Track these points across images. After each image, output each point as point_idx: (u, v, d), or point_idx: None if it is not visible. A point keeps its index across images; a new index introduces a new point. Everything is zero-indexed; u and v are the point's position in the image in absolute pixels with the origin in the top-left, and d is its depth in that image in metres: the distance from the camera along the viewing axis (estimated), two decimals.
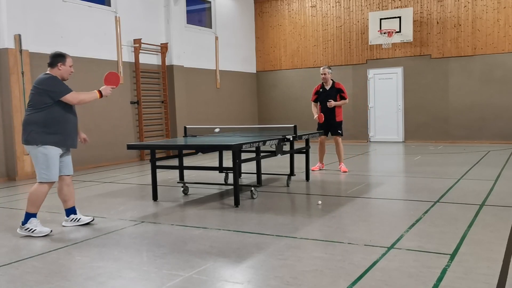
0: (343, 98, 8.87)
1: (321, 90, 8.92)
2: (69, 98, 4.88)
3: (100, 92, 5.07)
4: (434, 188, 6.92)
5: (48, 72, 4.98)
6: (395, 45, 14.46)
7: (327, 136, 8.98)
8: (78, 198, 7.10)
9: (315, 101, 9.02)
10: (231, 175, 7.82)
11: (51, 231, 4.97)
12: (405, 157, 11.59)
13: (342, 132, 8.96)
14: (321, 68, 8.90)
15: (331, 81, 8.89)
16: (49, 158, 4.86)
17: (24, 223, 4.89)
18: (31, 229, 4.87)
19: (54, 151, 4.90)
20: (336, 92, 8.84)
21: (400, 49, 14.55)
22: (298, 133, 7.24)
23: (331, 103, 8.69)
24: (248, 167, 8.45)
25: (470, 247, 4.08)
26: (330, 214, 5.54)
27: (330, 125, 8.85)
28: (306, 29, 15.94)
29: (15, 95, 9.15)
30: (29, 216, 4.89)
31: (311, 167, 9.03)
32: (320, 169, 9.08)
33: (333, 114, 8.82)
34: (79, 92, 5.05)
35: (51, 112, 4.85)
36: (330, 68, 8.94)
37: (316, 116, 8.85)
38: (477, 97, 13.72)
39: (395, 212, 5.81)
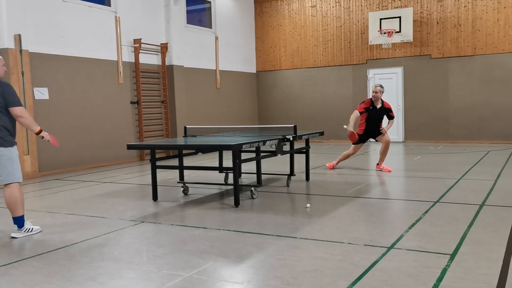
0: (390, 117, 8.85)
1: (371, 107, 8.73)
2: (19, 111, 4.79)
3: (41, 130, 4.99)
4: (434, 188, 6.92)
5: None
6: (395, 45, 14.46)
7: (364, 143, 9.05)
8: (78, 198, 7.12)
9: (361, 113, 8.79)
10: (231, 175, 7.82)
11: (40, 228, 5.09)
12: (405, 157, 11.59)
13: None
14: (374, 85, 8.83)
15: (381, 101, 8.78)
16: (18, 158, 4.88)
17: (21, 226, 4.88)
18: (29, 229, 4.94)
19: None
20: (385, 112, 8.81)
21: (400, 49, 14.55)
22: (298, 133, 7.24)
23: (385, 131, 8.72)
24: (248, 167, 8.45)
25: (470, 247, 4.08)
26: (330, 214, 5.54)
27: (376, 133, 8.90)
28: (306, 29, 15.93)
29: None
30: (22, 218, 4.88)
31: (327, 164, 9.21)
32: (333, 168, 9.16)
33: (378, 129, 8.87)
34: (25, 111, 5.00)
35: (9, 115, 4.81)
36: (382, 87, 8.81)
37: (349, 130, 8.72)
38: (477, 97, 13.71)
39: (395, 212, 5.81)
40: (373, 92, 8.77)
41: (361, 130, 8.83)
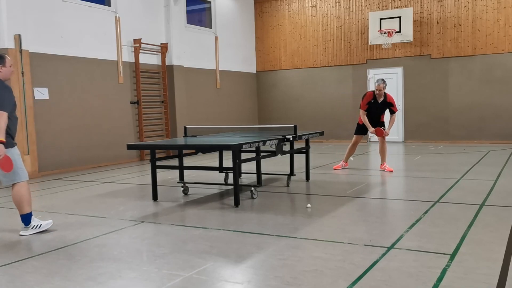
0: (392, 111, 8.78)
1: (372, 101, 8.73)
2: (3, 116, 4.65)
3: (3, 141, 4.57)
4: (434, 188, 6.92)
5: None
6: (395, 45, 14.45)
7: (365, 135, 9.06)
8: (78, 198, 7.12)
9: (366, 110, 8.83)
10: (231, 175, 7.81)
11: (52, 221, 5.15)
12: (405, 157, 11.59)
13: (385, 127, 8.93)
14: (376, 83, 8.67)
15: (383, 93, 8.75)
16: (20, 158, 4.94)
17: (28, 223, 4.93)
18: (37, 225, 4.99)
19: None
20: (387, 106, 8.77)
21: (400, 49, 14.55)
22: (298, 133, 7.24)
23: (387, 133, 8.67)
24: (248, 167, 8.45)
25: (470, 247, 4.08)
26: (330, 214, 5.54)
27: (376, 126, 8.86)
28: (306, 29, 15.93)
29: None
30: (28, 216, 4.94)
31: (333, 166, 9.17)
32: (342, 168, 9.12)
33: (379, 121, 8.86)
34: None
35: (10, 117, 4.80)
36: (384, 82, 8.74)
37: (372, 129, 8.74)
38: (477, 97, 13.71)
39: (395, 212, 5.81)
40: (376, 90, 8.66)
41: (378, 131, 8.78)
